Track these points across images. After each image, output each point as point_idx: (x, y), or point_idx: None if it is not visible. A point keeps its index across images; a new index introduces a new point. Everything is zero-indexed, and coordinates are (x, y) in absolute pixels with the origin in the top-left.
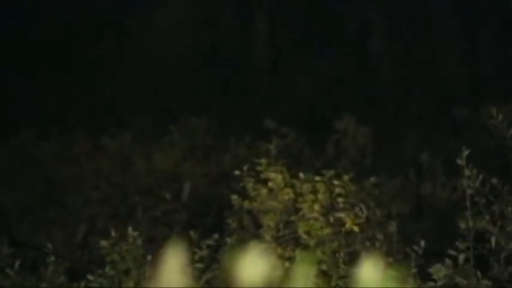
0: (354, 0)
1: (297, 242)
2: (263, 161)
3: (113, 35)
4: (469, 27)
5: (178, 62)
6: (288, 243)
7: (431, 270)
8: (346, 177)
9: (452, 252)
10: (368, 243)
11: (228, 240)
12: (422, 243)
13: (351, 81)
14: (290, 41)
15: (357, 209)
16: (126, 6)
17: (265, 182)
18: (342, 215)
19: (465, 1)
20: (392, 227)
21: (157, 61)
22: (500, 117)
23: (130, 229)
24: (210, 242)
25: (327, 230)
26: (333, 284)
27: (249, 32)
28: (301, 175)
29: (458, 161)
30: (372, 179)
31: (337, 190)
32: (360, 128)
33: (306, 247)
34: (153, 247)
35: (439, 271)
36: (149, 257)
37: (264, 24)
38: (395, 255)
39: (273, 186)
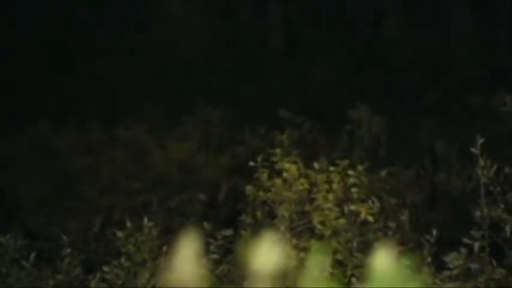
0: None
1: (311, 232)
2: (277, 151)
3: (129, 26)
4: (486, 15)
5: (193, 52)
6: (302, 233)
7: (446, 258)
8: (360, 168)
9: (467, 240)
10: (382, 233)
11: (243, 231)
12: (435, 232)
13: (366, 70)
14: (305, 31)
15: (371, 199)
16: None
17: (279, 172)
18: (356, 205)
19: None
20: (405, 216)
21: (172, 52)
22: None
23: (145, 220)
24: (226, 233)
25: (342, 220)
26: (348, 273)
27: (264, 23)
28: (316, 165)
29: (473, 150)
30: (386, 170)
31: (352, 180)
32: (374, 118)
33: (320, 237)
34: (169, 238)
35: (455, 259)
36: (164, 248)
37: (278, 14)
38: (408, 244)
39: (287, 176)
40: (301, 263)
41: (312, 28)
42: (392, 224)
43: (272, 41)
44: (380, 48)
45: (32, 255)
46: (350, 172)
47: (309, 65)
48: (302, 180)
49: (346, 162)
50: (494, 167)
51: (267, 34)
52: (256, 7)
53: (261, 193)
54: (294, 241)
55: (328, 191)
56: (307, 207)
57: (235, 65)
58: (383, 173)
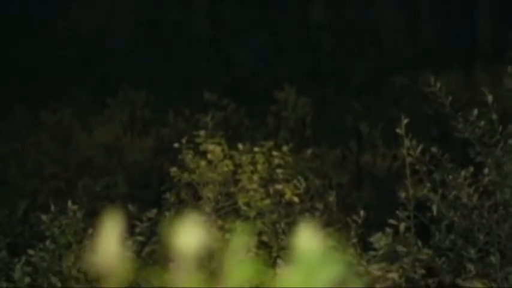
0: None
1: (237, 214)
2: (201, 133)
3: (54, 7)
4: None
5: (117, 34)
6: (227, 214)
7: (372, 239)
8: (285, 148)
9: (392, 221)
10: (308, 214)
11: (168, 212)
12: (362, 212)
13: (292, 52)
14: (230, 13)
15: (296, 180)
16: None
17: (204, 154)
18: (281, 186)
19: None
20: (332, 197)
21: (95, 34)
22: (438, 85)
23: (69, 203)
24: (150, 215)
25: (267, 201)
26: (274, 254)
27: (187, 4)
28: (240, 146)
29: (398, 130)
30: (311, 150)
31: (276, 161)
32: (299, 99)
33: (246, 218)
34: (94, 221)
35: (380, 240)
36: (89, 231)
37: None
38: (335, 225)
39: (211, 158)
40: (226, 244)
41: (237, 10)
42: (319, 205)
43: (196, 23)
44: (306, 30)
45: None
46: (275, 153)
47: (234, 47)
48: (226, 161)
49: (271, 143)
50: (420, 147)
51: (191, 16)
52: None
53: (186, 175)
54: (219, 222)
55: (252, 172)
56: (232, 189)
57: (159, 47)
58: (308, 153)
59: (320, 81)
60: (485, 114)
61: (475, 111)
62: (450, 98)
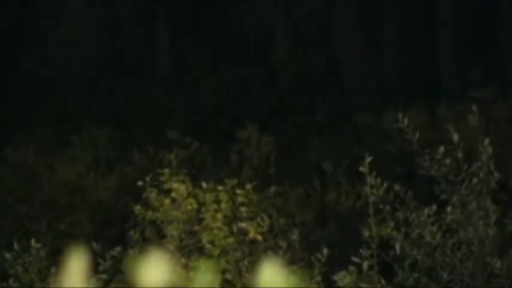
0: (257, 5)
1: (200, 252)
2: (165, 171)
3: (12, 44)
4: (373, 34)
5: (79, 71)
6: (191, 253)
7: (335, 277)
8: (248, 186)
9: (356, 259)
10: (271, 252)
11: (131, 251)
12: (326, 250)
13: (254, 90)
14: (193, 50)
15: (260, 218)
16: (25, 14)
17: (168, 192)
18: (245, 224)
19: (368, 5)
20: (295, 235)
21: (58, 70)
22: (406, 121)
23: (33, 241)
24: (114, 253)
25: (231, 240)
26: None
27: (151, 41)
28: (204, 184)
29: (361, 169)
30: (275, 188)
31: (240, 199)
32: (263, 137)
33: (209, 256)
34: (57, 259)
35: (344, 278)
36: (53, 269)
37: (166, 33)
38: (298, 263)
39: (175, 196)
40: (190, 282)
41: (200, 48)
42: (282, 243)
43: (160, 61)
44: (269, 67)
45: None
46: (238, 191)
47: (197, 85)
48: (190, 199)
49: (235, 181)
50: (384, 186)
51: (154, 53)
52: (143, 26)
53: (150, 213)
54: (183, 260)
55: (216, 211)
56: (196, 227)
57: (123, 84)
58: (272, 191)
59: (283, 119)
60: (451, 152)
61: (441, 149)
62: (417, 134)
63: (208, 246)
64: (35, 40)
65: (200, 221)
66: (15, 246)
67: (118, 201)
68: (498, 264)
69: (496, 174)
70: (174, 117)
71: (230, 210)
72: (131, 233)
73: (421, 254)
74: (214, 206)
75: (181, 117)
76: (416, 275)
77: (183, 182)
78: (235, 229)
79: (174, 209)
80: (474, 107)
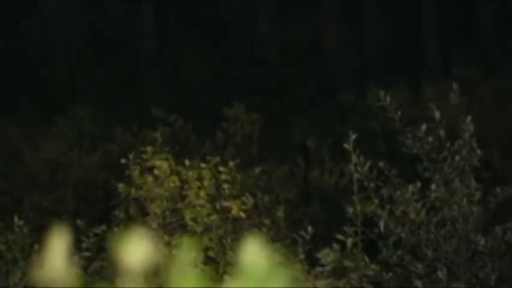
0: None
1: (183, 229)
2: (149, 148)
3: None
4: (356, 14)
5: (64, 51)
6: (174, 230)
7: (319, 255)
8: (231, 164)
9: (340, 236)
10: (255, 229)
11: (115, 228)
12: (310, 228)
13: (239, 68)
14: (178, 31)
15: (244, 195)
16: None
17: (151, 169)
18: (228, 202)
19: None
20: (280, 212)
21: (42, 50)
22: (388, 99)
23: (16, 218)
24: (98, 231)
25: (214, 217)
26: (221, 270)
27: (136, 21)
28: (187, 162)
29: (345, 146)
30: (259, 168)
31: (223, 177)
32: (247, 115)
33: (192, 234)
34: (40, 236)
35: (327, 256)
36: (36, 247)
37: (150, 13)
38: (282, 240)
39: (158, 173)
40: (173, 260)
41: (185, 28)
42: (266, 221)
43: (145, 40)
44: (252, 46)
45: None
46: (221, 169)
47: (182, 65)
48: (173, 177)
49: (218, 158)
50: (368, 163)
51: (139, 33)
52: (128, 6)
53: (133, 190)
54: (166, 238)
55: (199, 188)
56: (179, 204)
57: (109, 64)
58: (256, 169)
59: (267, 97)
60: (433, 130)
61: (424, 127)
62: (399, 113)
63: (191, 223)
64: (16, 21)
65: (183, 198)
66: None
67: (102, 178)
68: (482, 242)
69: (478, 152)
70: (159, 97)
71: (213, 187)
72: (116, 211)
73: (406, 231)
74: (197, 183)
75: (167, 96)
76: (400, 252)
77: (166, 159)
78: (218, 207)
79: (157, 187)
80: (455, 86)
